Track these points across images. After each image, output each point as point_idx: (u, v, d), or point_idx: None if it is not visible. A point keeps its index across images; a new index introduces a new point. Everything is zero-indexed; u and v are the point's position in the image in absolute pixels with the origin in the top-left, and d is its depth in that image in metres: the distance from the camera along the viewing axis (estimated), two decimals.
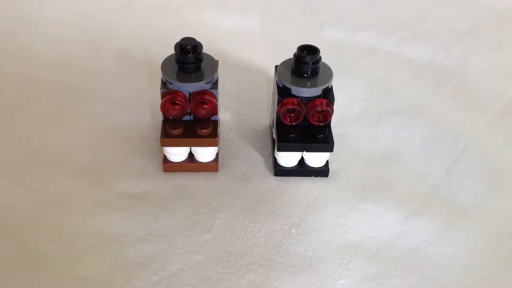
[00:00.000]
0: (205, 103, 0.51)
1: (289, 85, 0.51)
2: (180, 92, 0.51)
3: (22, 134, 0.59)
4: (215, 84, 0.52)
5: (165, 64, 0.52)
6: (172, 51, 0.52)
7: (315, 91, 0.51)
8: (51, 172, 0.55)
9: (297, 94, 0.51)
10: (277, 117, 0.53)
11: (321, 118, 0.52)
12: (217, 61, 0.53)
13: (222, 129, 0.60)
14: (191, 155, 0.55)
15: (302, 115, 0.52)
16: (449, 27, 0.80)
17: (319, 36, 0.77)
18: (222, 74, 0.57)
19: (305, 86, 0.51)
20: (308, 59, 0.51)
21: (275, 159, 0.56)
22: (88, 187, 0.53)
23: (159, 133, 0.53)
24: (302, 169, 0.55)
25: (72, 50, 0.71)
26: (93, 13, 0.79)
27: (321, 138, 0.53)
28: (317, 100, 0.51)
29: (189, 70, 0.51)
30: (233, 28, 0.77)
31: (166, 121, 0.53)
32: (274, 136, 0.55)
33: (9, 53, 0.71)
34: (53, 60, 0.70)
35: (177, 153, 0.54)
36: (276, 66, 0.55)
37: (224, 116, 0.62)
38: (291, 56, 0.53)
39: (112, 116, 0.61)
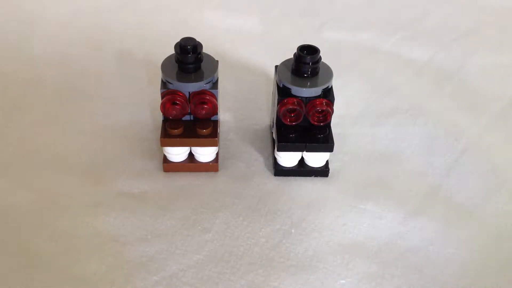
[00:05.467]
0: (205, 103, 0.51)
1: (289, 85, 0.51)
2: (180, 92, 0.51)
3: (22, 134, 0.59)
4: (215, 84, 0.52)
5: (165, 64, 0.52)
6: (172, 51, 0.52)
7: (315, 91, 0.51)
8: (51, 172, 0.55)
9: (297, 94, 0.51)
10: (277, 117, 0.53)
11: (321, 118, 0.52)
12: (217, 61, 0.53)
13: (222, 129, 0.60)
14: (191, 155, 0.55)
15: (302, 115, 0.52)
16: (449, 27, 0.80)
17: (319, 36, 0.77)
18: (222, 74, 0.57)
19: (305, 86, 0.51)
20: (308, 59, 0.51)
21: (275, 159, 0.56)
22: (88, 187, 0.53)
23: (159, 133, 0.53)
24: (302, 169, 0.55)
25: (72, 50, 0.71)
26: (93, 13, 0.79)
27: (321, 138, 0.53)
28: (317, 100, 0.51)
29: (189, 70, 0.51)
30: (233, 28, 0.77)
31: (166, 121, 0.53)
32: (274, 136, 0.55)
33: (9, 53, 0.71)
34: (53, 60, 0.70)
35: (177, 153, 0.54)
36: (276, 66, 0.55)
37: (224, 116, 0.62)
38: (291, 56, 0.53)
39: (112, 116, 0.61)
